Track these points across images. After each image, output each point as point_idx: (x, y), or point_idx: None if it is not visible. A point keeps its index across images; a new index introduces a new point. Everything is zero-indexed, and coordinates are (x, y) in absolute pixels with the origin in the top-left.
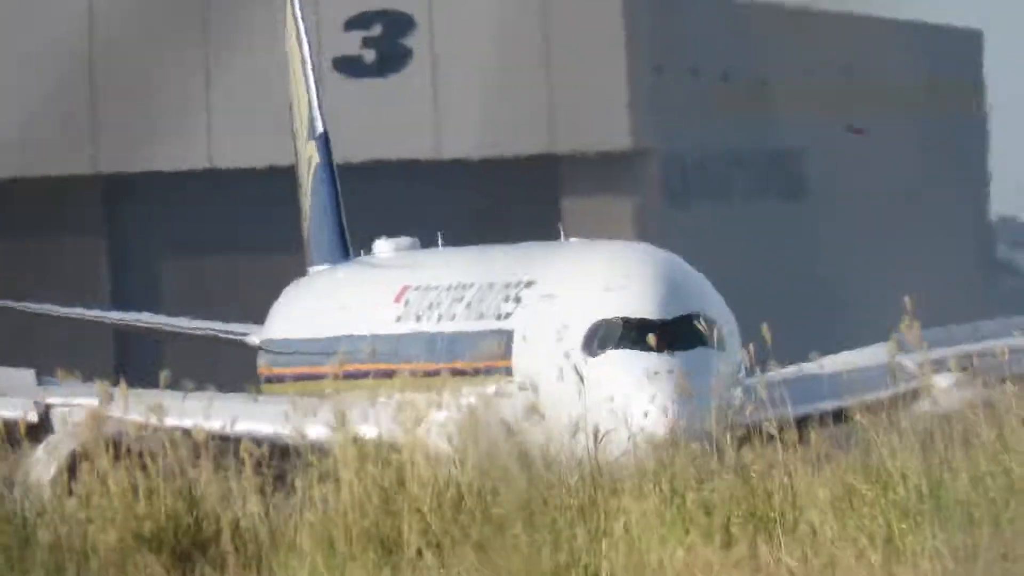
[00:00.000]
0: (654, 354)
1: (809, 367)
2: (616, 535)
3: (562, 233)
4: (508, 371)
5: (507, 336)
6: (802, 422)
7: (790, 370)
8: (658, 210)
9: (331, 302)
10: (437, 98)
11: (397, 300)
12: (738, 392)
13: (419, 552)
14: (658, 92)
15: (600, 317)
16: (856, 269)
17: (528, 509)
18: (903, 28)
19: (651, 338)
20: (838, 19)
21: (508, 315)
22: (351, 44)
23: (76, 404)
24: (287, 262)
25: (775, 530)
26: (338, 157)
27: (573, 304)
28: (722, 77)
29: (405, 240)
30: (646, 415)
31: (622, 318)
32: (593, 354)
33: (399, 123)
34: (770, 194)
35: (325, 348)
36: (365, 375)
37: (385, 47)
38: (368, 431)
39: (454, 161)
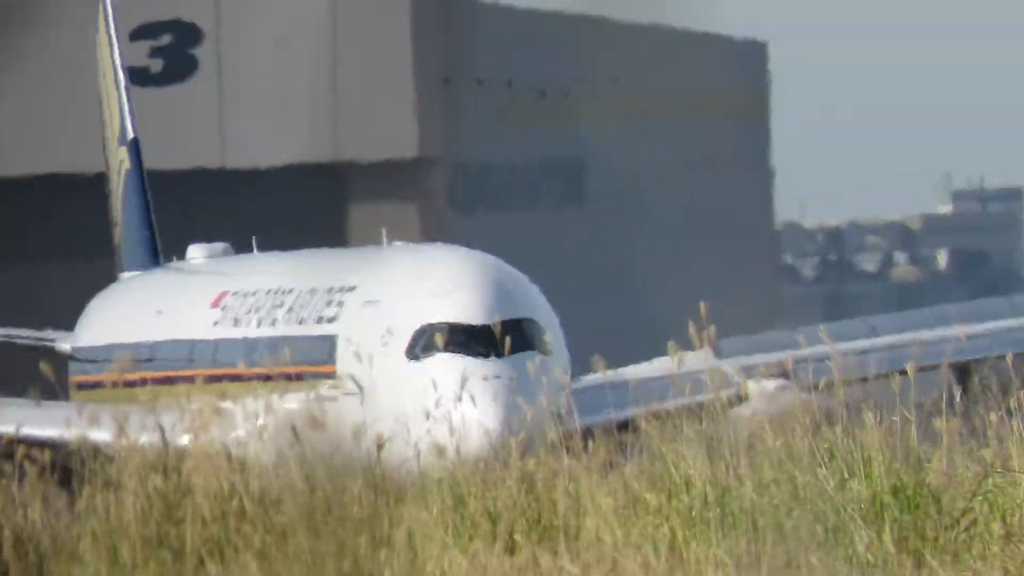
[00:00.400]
0: (480, 359)
1: (624, 372)
2: (398, 543)
3: (384, 238)
4: (332, 376)
5: (331, 341)
6: (623, 426)
7: (605, 376)
8: (444, 217)
9: (146, 308)
10: (223, 107)
11: (214, 305)
12: (565, 397)
13: (201, 561)
14: (445, 102)
15: (426, 322)
16: (642, 276)
17: (312, 518)
18: (687, 38)
19: (478, 343)
20: (625, 29)
21: (332, 320)
22: (138, 54)
23: None
24: (93, 268)
25: (559, 538)
26: None
27: (398, 309)
28: (507, 87)
29: (219, 246)
30: (473, 420)
31: (448, 323)
32: (419, 359)
33: (185, 132)
34: (553, 201)
35: (140, 354)
36: (182, 381)
37: (172, 57)
38: (166, 438)
39: (240, 170)
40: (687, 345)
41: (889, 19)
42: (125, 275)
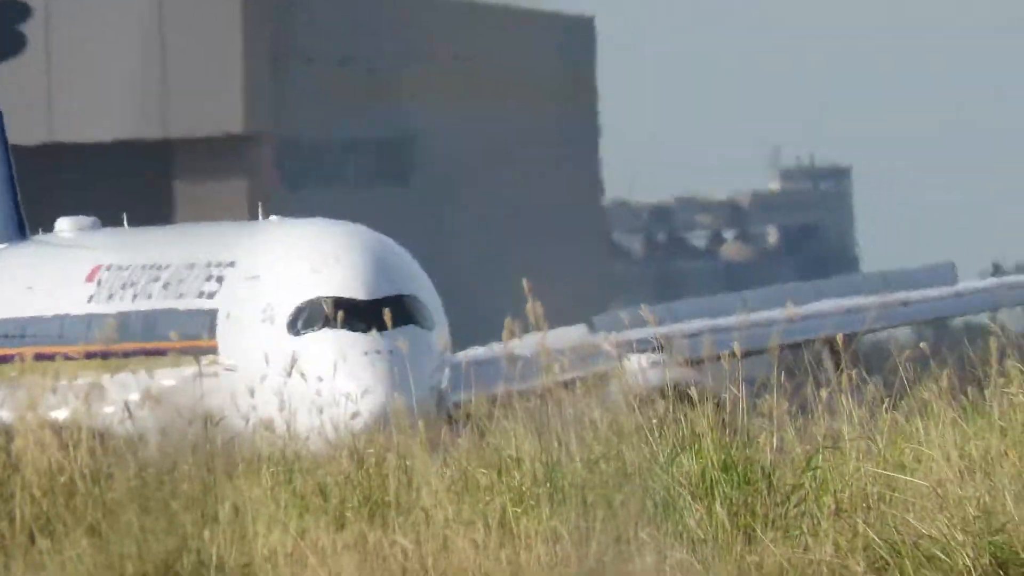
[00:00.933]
0: (363, 334)
1: (504, 347)
2: (225, 519)
3: (255, 214)
4: (213, 351)
5: (211, 316)
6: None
7: (482, 350)
8: (273, 193)
9: (14, 282)
10: (51, 84)
11: (89, 280)
12: (447, 371)
13: (31, 538)
14: (273, 79)
15: (307, 297)
16: (468, 253)
17: (142, 494)
18: (518, 15)
19: (360, 318)
20: (455, 7)
21: (212, 295)
22: None
23: None
24: None
25: (389, 513)
26: None
27: (278, 284)
28: (339, 64)
29: (87, 220)
30: (354, 394)
31: (330, 298)
32: (300, 334)
33: (12, 108)
34: (382, 180)
35: (9, 330)
36: (54, 357)
37: (1, 34)
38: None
39: (67, 145)
40: (524, 325)
41: None
42: None
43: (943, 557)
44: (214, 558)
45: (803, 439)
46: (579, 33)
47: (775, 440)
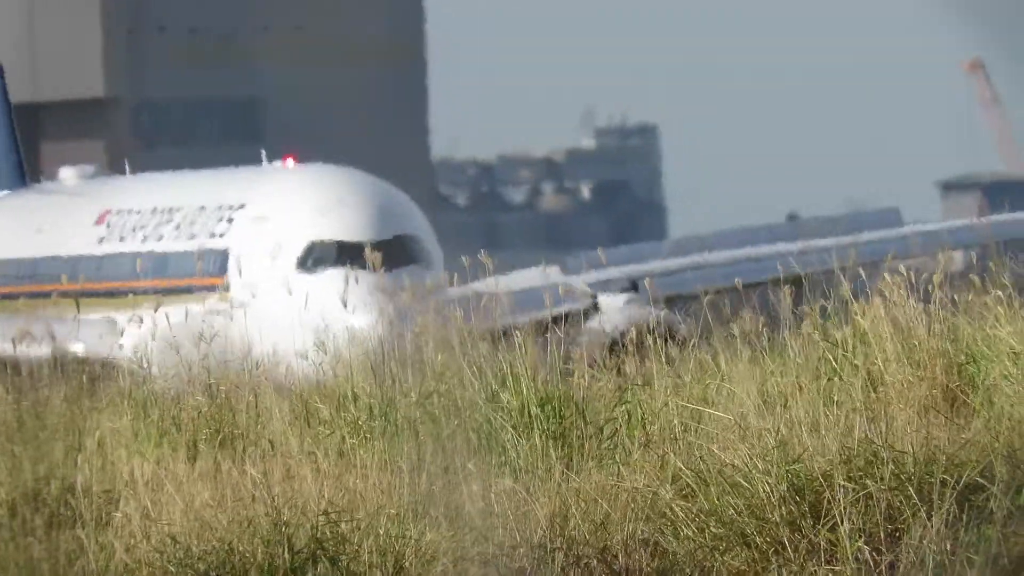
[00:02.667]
0: (367, 272)
1: (480, 286)
2: (90, 449)
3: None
4: (224, 288)
5: (222, 256)
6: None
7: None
8: (130, 153)
9: (24, 226)
10: None
11: (99, 223)
12: (444, 307)
13: None
14: (130, 48)
15: (315, 237)
16: None
17: (11, 426)
18: None
19: (365, 256)
20: None
21: (222, 235)
22: None
23: None
24: None
25: (239, 445)
26: None
27: (287, 225)
28: (189, 33)
29: (89, 168)
30: (361, 328)
31: (336, 239)
32: (308, 272)
33: None
34: (233, 139)
35: (22, 270)
36: (70, 295)
37: None
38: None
39: None
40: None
41: None
42: None
43: (745, 484)
44: (80, 485)
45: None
46: (408, 1)
47: (585, 378)
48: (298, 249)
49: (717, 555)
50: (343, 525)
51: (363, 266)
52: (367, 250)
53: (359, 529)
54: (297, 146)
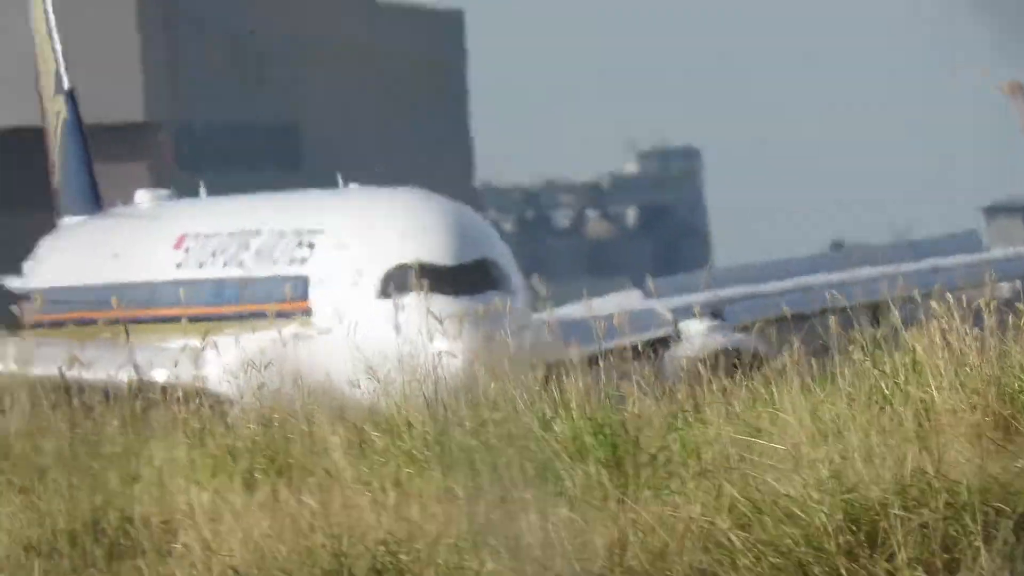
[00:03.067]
0: (449, 297)
1: (567, 311)
2: (147, 479)
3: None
4: (306, 313)
5: (303, 281)
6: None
7: (544, 315)
8: (172, 176)
9: (102, 250)
10: None
11: (176, 247)
12: (527, 332)
13: None
14: (170, 72)
15: (396, 262)
16: None
17: (69, 456)
18: (392, 10)
19: (446, 282)
20: (336, 4)
21: (303, 260)
22: None
23: None
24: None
25: (294, 475)
26: None
27: (368, 250)
28: (230, 61)
29: (163, 192)
30: (443, 354)
31: (418, 263)
32: (390, 298)
33: None
34: (273, 162)
35: (100, 296)
36: (146, 320)
37: None
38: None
39: None
40: None
41: None
42: (68, 220)
43: (801, 514)
44: (138, 515)
45: (667, 403)
46: (450, 26)
47: (636, 405)
48: (379, 274)
49: None
50: (402, 555)
51: (444, 291)
52: (448, 275)
53: (419, 559)
54: (338, 171)
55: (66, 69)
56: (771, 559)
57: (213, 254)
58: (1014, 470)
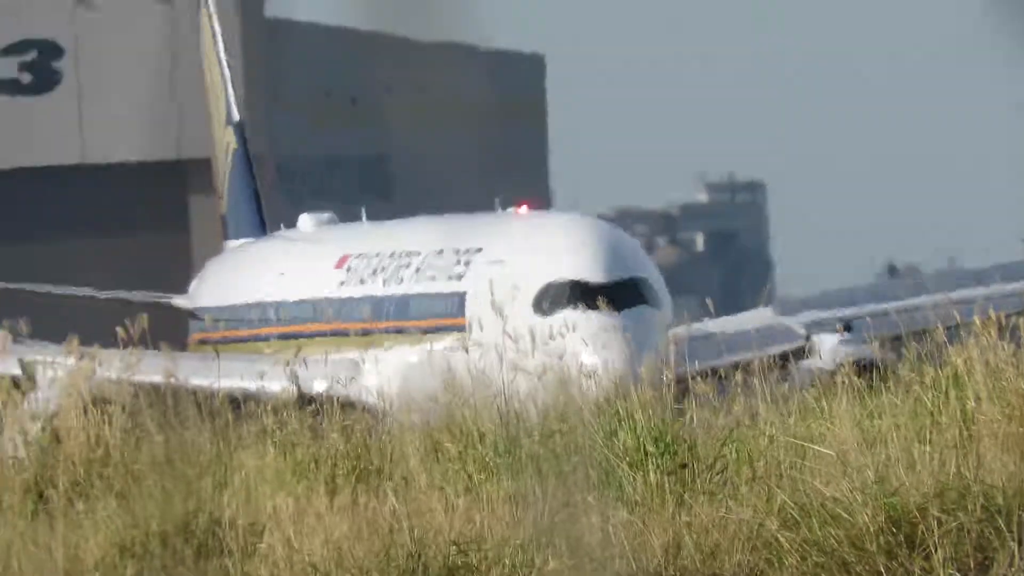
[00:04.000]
0: (601, 313)
1: (701, 327)
2: (236, 485)
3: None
4: (462, 328)
5: (460, 298)
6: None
7: (682, 329)
8: (276, 207)
9: (267, 270)
10: (82, 113)
11: (338, 267)
12: (672, 345)
13: (70, 500)
14: (271, 108)
15: (551, 280)
16: None
17: (165, 463)
18: (479, 54)
19: (598, 299)
20: (425, 46)
21: (460, 278)
22: (9, 67)
23: (53, 361)
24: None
25: (374, 481)
26: (2, 162)
27: (523, 268)
28: (325, 96)
29: (326, 216)
30: (598, 366)
31: (571, 280)
32: (545, 313)
33: (49, 134)
34: (366, 194)
35: (266, 313)
36: (312, 335)
37: (38, 71)
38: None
39: (98, 166)
40: None
41: (645, 34)
42: (233, 243)
43: (846, 516)
44: (226, 518)
45: (725, 416)
46: (533, 67)
47: (694, 417)
48: (534, 290)
49: None
50: (472, 555)
51: (596, 307)
52: (600, 292)
53: (487, 559)
54: (427, 202)
55: (178, 105)
56: (815, 558)
57: (374, 272)
58: None
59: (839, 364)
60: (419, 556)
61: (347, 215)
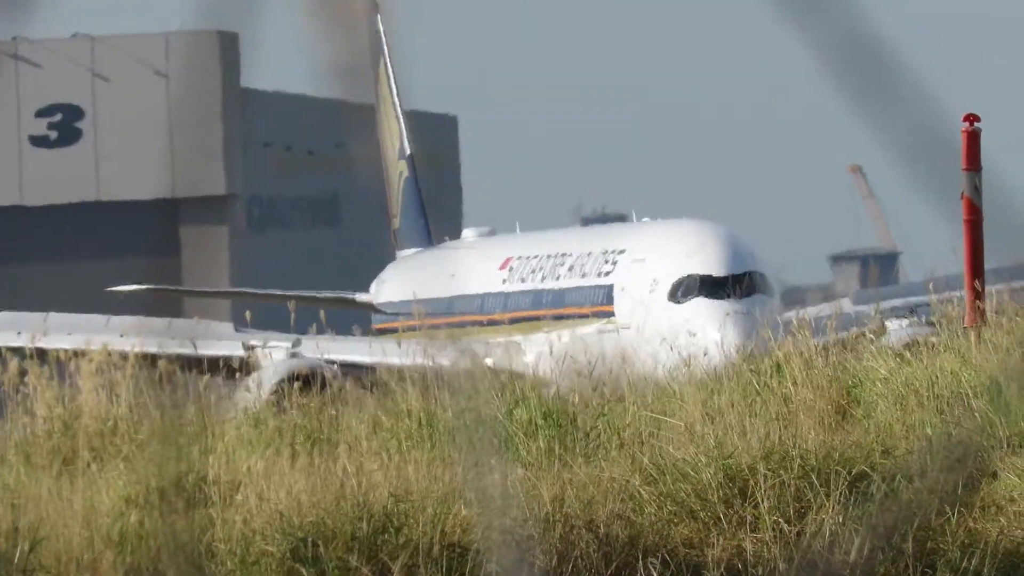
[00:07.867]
0: (724, 300)
1: (790, 314)
2: (219, 451)
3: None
4: (611, 315)
5: (608, 289)
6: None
7: (789, 314)
8: (245, 235)
9: (439, 272)
10: (98, 161)
11: (502, 268)
12: (779, 327)
13: (88, 464)
14: (244, 156)
15: (683, 273)
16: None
17: (163, 433)
18: (408, 114)
19: (722, 288)
20: (358, 109)
21: (607, 274)
22: (40, 126)
23: (274, 345)
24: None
25: (325, 447)
26: (36, 200)
27: (661, 265)
28: (286, 149)
29: (485, 228)
30: (721, 344)
31: (701, 274)
32: (679, 301)
33: (71, 178)
34: (320, 225)
35: (440, 307)
36: (477, 324)
37: (63, 129)
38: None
39: (109, 203)
40: None
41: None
42: (403, 252)
43: (693, 474)
44: (211, 476)
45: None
46: (447, 126)
47: (577, 397)
48: (669, 283)
49: (672, 526)
50: (403, 504)
51: (719, 296)
52: (722, 282)
53: (415, 507)
54: (370, 230)
55: (172, 153)
56: (669, 507)
57: (533, 271)
58: (847, 442)
59: (898, 343)
60: (363, 505)
61: (305, 239)
